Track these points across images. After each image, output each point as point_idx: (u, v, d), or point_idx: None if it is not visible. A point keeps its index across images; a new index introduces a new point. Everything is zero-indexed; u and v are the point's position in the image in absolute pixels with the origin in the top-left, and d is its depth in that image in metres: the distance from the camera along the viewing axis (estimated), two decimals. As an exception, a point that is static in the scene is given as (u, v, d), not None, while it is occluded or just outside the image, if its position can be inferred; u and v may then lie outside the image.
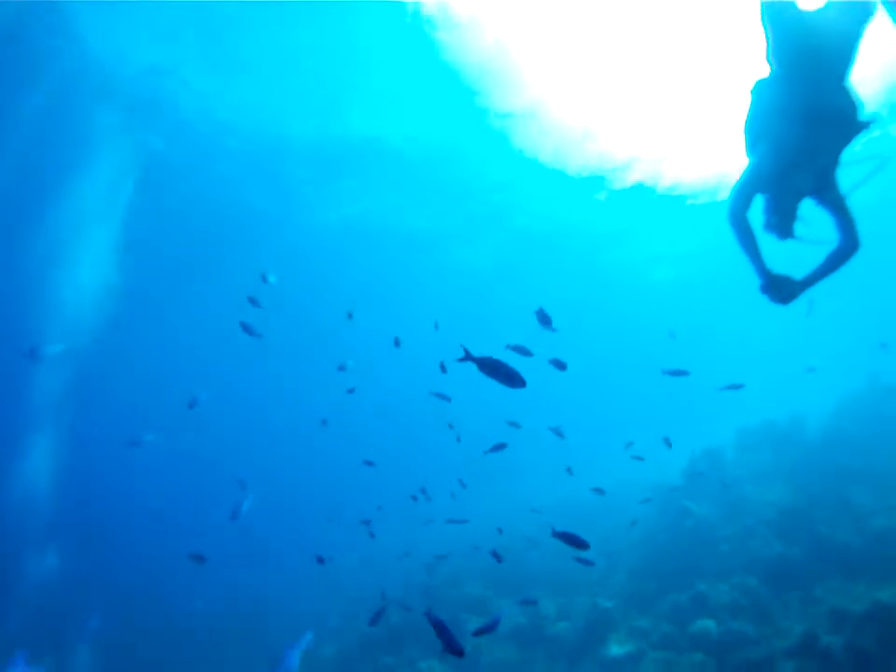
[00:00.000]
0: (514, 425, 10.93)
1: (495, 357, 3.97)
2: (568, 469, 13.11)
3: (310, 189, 16.98)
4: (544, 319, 6.72)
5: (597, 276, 24.59)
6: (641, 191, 17.68)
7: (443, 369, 9.43)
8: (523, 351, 7.12)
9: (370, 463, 12.55)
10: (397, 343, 9.98)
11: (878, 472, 12.78)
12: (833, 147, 4.11)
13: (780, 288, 4.34)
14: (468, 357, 4.03)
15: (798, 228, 4.51)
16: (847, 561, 10.64)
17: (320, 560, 11.33)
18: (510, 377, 3.91)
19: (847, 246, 4.30)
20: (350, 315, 11.84)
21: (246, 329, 7.06)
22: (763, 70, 4.35)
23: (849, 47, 3.90)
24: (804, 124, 4.01)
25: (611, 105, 13.62)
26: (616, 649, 11.03)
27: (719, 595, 10.83)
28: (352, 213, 18.47)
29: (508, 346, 7.10)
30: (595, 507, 18.26)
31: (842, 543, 11.02)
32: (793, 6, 4.01)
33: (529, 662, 11.84)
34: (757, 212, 4.53)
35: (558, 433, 10.06)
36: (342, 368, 10.30)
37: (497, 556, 8.90)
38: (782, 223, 4.48)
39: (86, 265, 15.78)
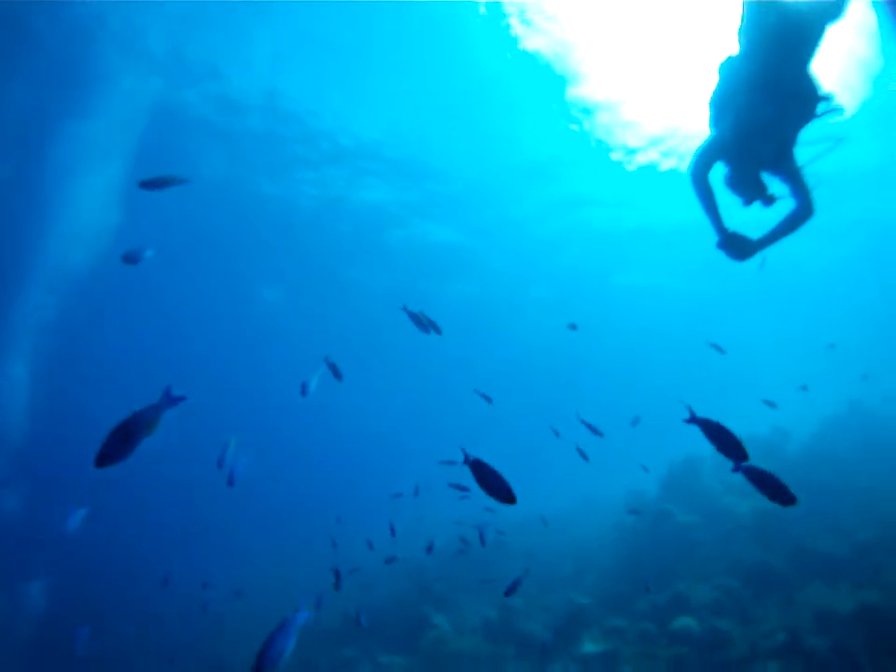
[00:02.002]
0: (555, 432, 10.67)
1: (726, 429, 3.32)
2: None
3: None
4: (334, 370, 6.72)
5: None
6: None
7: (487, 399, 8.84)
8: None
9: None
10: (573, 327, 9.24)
11: (860, 490, 12.71)
12: (793, 122, 4.46)
13: (736, 245, 4.66)
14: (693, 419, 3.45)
15: (775, 190, 4.80)
16: (829, 568, 10.45)
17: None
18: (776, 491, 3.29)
19: (802, 212, 4.62)
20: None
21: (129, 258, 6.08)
22: (732, 48, 4.67)
23: (817, 35, 4.21)
24: (768, 98, 4.32)
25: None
26: (590, 646, 10.61)
27: (699, 596, 10.53)
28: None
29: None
30: (572, 511, 17.93)
31: (824, 552, 10.85)
32: None
33: (498, 657, 11.30)
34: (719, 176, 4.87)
35: (595, 430, 9.55)
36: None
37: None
38: (755, 192, 4.76)
39: (89, 199, 15.12)
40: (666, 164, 16.42)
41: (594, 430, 8.07)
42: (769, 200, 4.77)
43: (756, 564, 11.01)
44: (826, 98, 4.33)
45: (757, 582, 10.57)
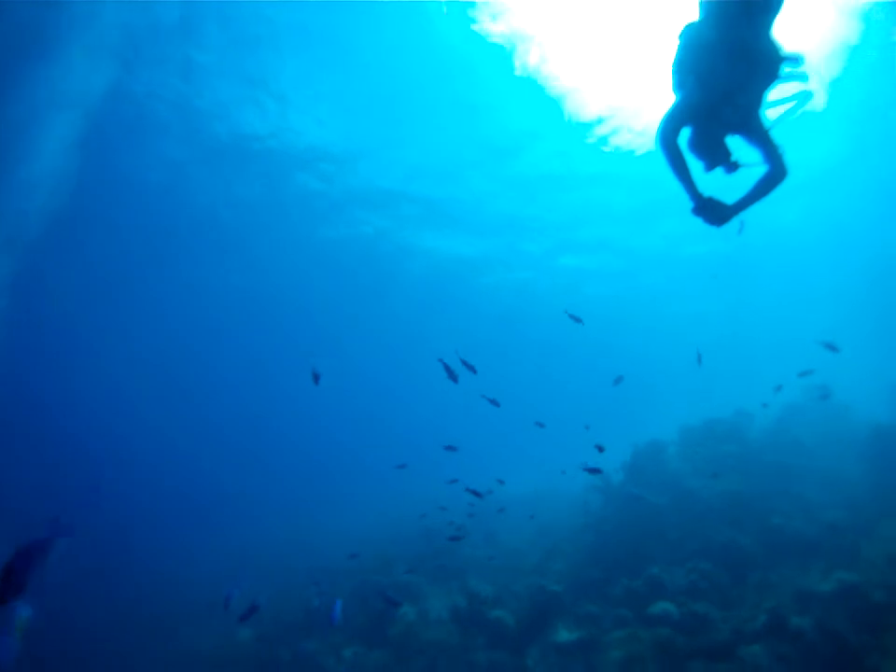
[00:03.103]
0: (540, 424, 10.64)
1: None
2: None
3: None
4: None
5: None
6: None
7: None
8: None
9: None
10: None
11: (824, 472, 12.90)
12: (756, 84, 4.45)
13: (712, 211, 4.60)
14: None
15: (739, 156, 4.77)
16: (802, 548, 10.49)
17: None
18: None
19: (776, 173, 4.57)
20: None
21: None
22: (693, 15, 4.67)
23: (777, 1, 4.20)
24: (730, 61, 4.32)
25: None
26: (566, 634, 10.32)
27: (675, 579, 10.38)
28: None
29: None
30: (536, 495, 17.69)
31: (794, 532, 10.90)
32: None
33: (470, 647, 10.87)
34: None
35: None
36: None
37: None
38: (718, 157, 4.74)
39: (45, 152, 14.03)
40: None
41: (600, 448, 8.11)
42: (732, 166, 4.75)
43: (728, 546, 10.97)
44: (791, 59, 4.35)
45: (732, 564, 10.51)
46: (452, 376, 6.56)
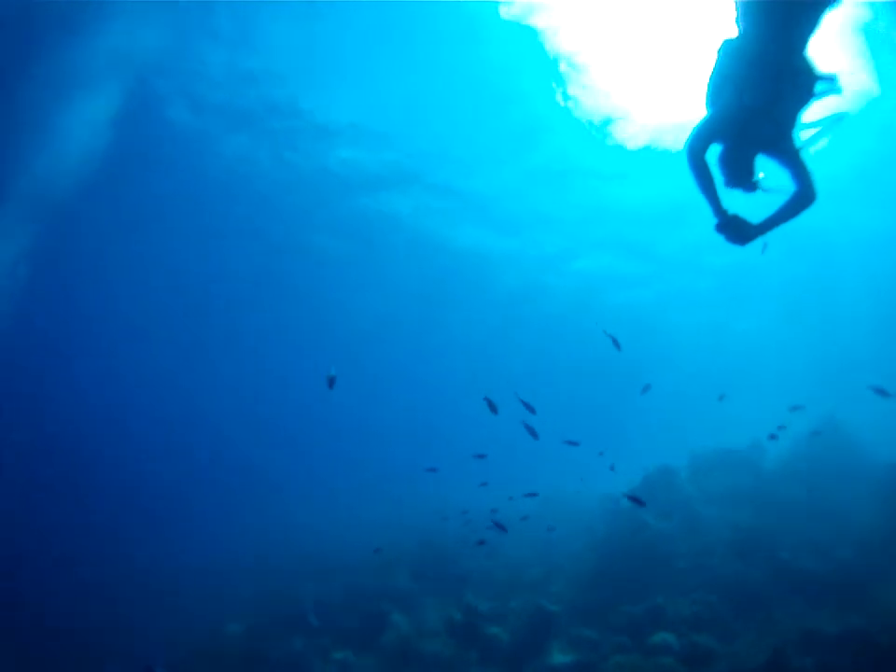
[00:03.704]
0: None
1: None
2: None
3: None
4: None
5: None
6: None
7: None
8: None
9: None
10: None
11: (837, 509, 12.58)
12: (791, 102, 4.44)
13: (735, 229, 4.57)
14: None
15: (762, 178, 4.77)
16: (810, 587, 10.21)
17: None
18: None
19: (804, 196, 4.54)
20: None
21: None
22: (731, 31, 4.65)
23: (815, 19, 4.19)
24: (766, 78, 4.32)
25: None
26: (561, 657, 10.13)
27: (678, 609, 10.15)
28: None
29: None
30: (540, 507, 17.46)
31: (804, 570, 10.62)
32: None
33: (462, 662, 10.71)
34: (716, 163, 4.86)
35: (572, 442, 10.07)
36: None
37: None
38: (742, 175, 4.73)
39: (73, 126, 14.28)
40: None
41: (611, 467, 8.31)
42: (752, 186, 4.76)
43: (736, 579, 10.72)
44: (825, 78, 4.36)
45: (737, 598, 10.25)
46: (493, 409, 6.92)
